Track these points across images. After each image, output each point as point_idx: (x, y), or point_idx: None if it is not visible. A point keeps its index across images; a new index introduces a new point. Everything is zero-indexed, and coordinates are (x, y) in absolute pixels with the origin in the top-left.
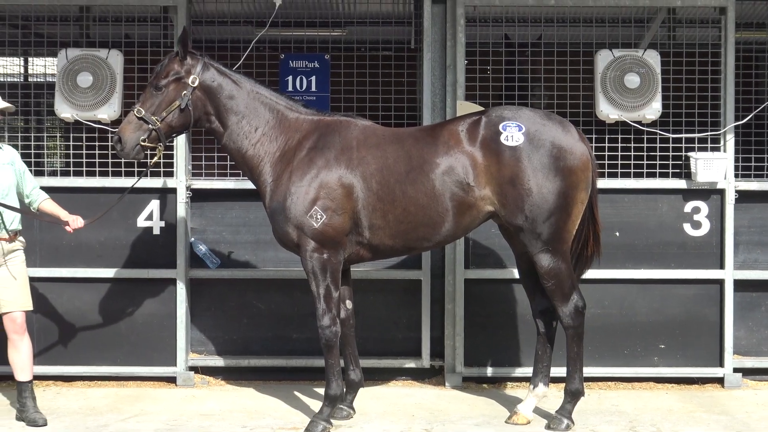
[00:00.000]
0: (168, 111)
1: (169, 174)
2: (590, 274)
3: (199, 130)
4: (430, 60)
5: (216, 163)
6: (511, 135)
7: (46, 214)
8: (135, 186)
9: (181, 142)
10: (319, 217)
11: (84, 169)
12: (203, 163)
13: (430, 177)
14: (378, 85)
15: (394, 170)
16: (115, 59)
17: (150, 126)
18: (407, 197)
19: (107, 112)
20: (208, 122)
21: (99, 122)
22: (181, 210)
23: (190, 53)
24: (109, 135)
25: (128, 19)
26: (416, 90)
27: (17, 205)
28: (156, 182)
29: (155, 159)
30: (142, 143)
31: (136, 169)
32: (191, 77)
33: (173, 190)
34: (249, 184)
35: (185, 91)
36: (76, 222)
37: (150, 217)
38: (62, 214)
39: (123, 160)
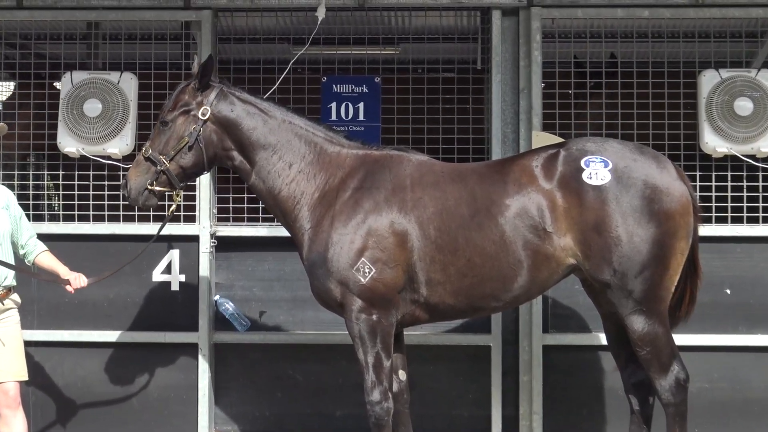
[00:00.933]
0: (176, 149)
1: (190, 219)
2: (695, 339)
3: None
4: (500, 83)
5: (245, 206)
6: (596, 172)
7: (44, 271)
8: (152, 238)
9: (204, 182)
10: (367, 270)
11: (90, 213)
12: (231, 205)
13: (498, 221)
14: (437, 113)
15: (456, 214)
16: (128, 84)
17: (158, 168)
18: (472, 246)
19: (118, 146)
20: (229, 159)
21: (109, 158)
22: (205, 262)
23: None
24: (121, 173)
25: (144, 37)
26: (483, 118)
27: (11, 257)
28: (175, 229)
29: (173, 207)
30: (150, 187)
31: (152, 214)
32: (202, 109)
33: (195, 238)
34: (284, 231)
35: (194, 126)
36: (78, 281)
37: (167, 270)
38: (62, 270)
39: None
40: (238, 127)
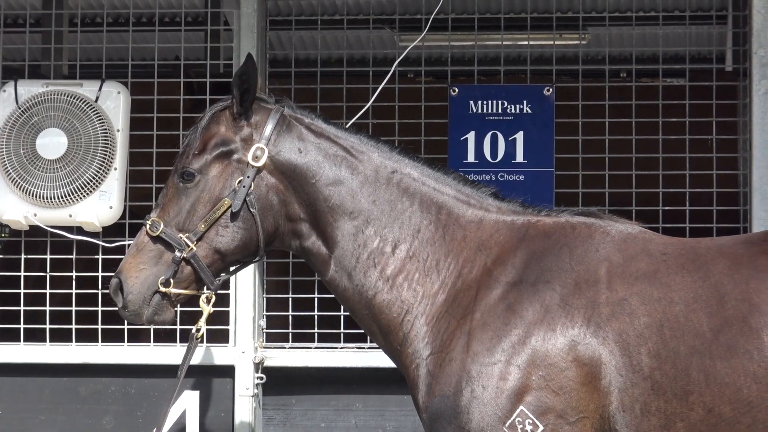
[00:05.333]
0: (209, 221)
1: (219, 337)
2: None
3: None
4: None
5: (316, 313)
6: None
7: None
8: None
9: (247, 273)
10: (529, 428)
11: (47, 326)
12: (290, 313)
13: (765, 341)
14: (653, 148)
15: (688, 328)
16: (114, 101)
17: (178, 254)
18: (716, 385)
19: (96, 211)
20: (295, 237)
21: (80, 231)
22: (245, 409)
23: (257, 102)
24: (100, 258)
25: (141, 22)
26: (736, 158)
27: None
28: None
29: (201, 326)
30: (164, 289)
31: (152, 329)
32: (253, 149)
33: (228, 371)
34: (380, 358)
35: (240, 178)
36: None
37: (181, 424)
38: None
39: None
40: (311, 180)
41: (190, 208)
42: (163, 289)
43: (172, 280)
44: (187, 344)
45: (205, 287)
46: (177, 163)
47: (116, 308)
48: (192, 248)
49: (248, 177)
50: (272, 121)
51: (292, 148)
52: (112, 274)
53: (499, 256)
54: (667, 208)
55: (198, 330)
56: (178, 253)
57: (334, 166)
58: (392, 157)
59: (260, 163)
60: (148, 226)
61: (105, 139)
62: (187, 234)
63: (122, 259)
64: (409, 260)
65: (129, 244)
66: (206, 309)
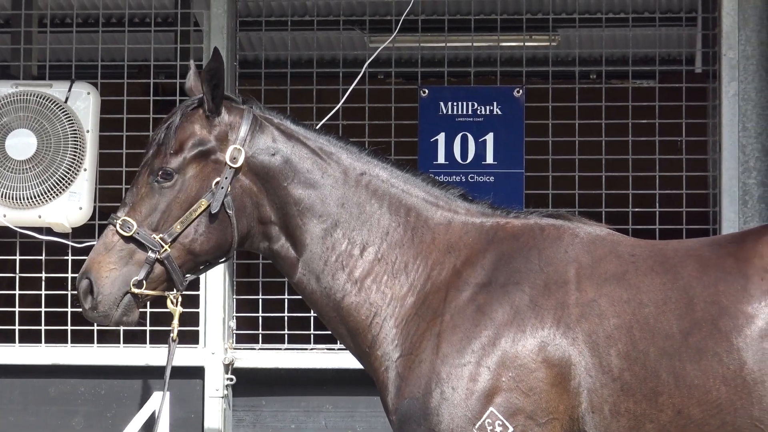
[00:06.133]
0: (185, 222)
1: (189, 338)
2: None
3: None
4: (738, 98)
5: (286, 315)
6: None
7: None
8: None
9: (217, 274)
10: (499, 429)
11: (16, 327)
12: (260, 314)
13: (734, 343)
14: (623, 150)
15: (658, 329)
16: (84, 102)
17: (151, 254)
18: (685, 387)
19: (66, 212)
20: (265, 239)
21: (49, 232)
22: (215, 410)
23: (227, 101)
24: (70, 259)
25: (110, 23)
26: (706, 160)
27: None
28: (159, 356)
29: (175, 327)
30: (136, 290)
31: (121, 331)
32: (231, 149)
33: (198, 372)
34: (350, 360)
35: (217, 179)
36: None
37: (151, 426)
38: None
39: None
40: (283, 183)
41: (165, 208)
42: (135, 290)
43: (144, 281)
44: (160, 346)
45: (174, 288)
46: (149, 162)
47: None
48: (166, 249)
49: (226, 178)
50: (246, 121)
51: (265, 149)
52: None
53: (468, 258)
54: (636, 209)
55: (174, 335)
56: (151, 254)
57: (305, 169)
58: (361, 159)
59: (238, 164)
60: (118, 226)
61: (74, 140)
62: (160, 234)
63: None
64: (377, 263)
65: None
66: (177, 310)
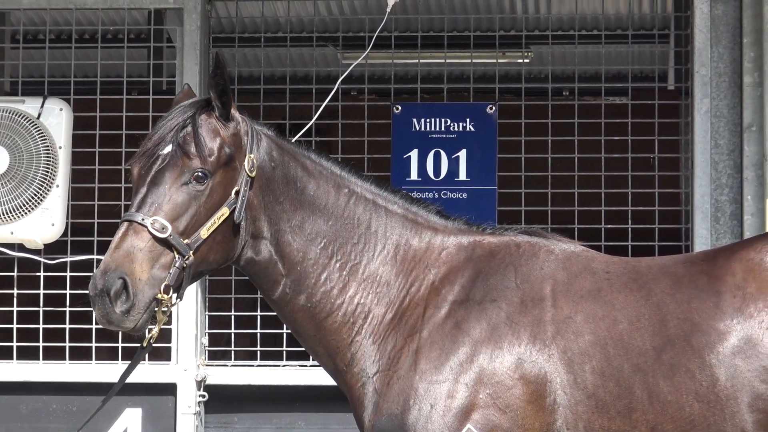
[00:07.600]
0: (211, 228)
1: (161, 355)
2: None
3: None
4: (710, 114)
5: (259, 331)
6: None
7: None
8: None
9: (189, 290)
10: None
11: None
12: (233, 331)
13: (707, 360)
14: (596, 167)
15: (632, 346)
16: (57, 118)
17: (179, 259)
18: (659, 403)
19: (38, 228)
20: (253, 251)
21: (21, 248)
22: (187, 427)
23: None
24: (41, 276)
25: (84, 38)
26: (678, 177)
27: None
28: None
29: (155, 334)
30: (164, 296)
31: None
32: (247, 157)
33: (170, 389)
34: (323, 376)
35: (236, 187)
36: None
37: None
38: None
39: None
40: (280, 198)
41: (194, 212)
42: (163, 295)
43: (171, 287)
44: (130, 361)
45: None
46: (170, 162)
47: (83, 318)
48: (190, 256)
49: (245, 188)
50: (251, 130)
51: (268, 161)
52: (54, 291)
53: (446, 275)
54: (609, 226)
55: (152, 336)
56: (179, 260)
57: (299, 186)
58: (344, 176)
59: (254, 174)
60: (150, 226)
61: (47, 156)
62: (187, 240)
63: (92, 262)
64: (363, 282)
65: (85, 255)
66: (164, 318)
